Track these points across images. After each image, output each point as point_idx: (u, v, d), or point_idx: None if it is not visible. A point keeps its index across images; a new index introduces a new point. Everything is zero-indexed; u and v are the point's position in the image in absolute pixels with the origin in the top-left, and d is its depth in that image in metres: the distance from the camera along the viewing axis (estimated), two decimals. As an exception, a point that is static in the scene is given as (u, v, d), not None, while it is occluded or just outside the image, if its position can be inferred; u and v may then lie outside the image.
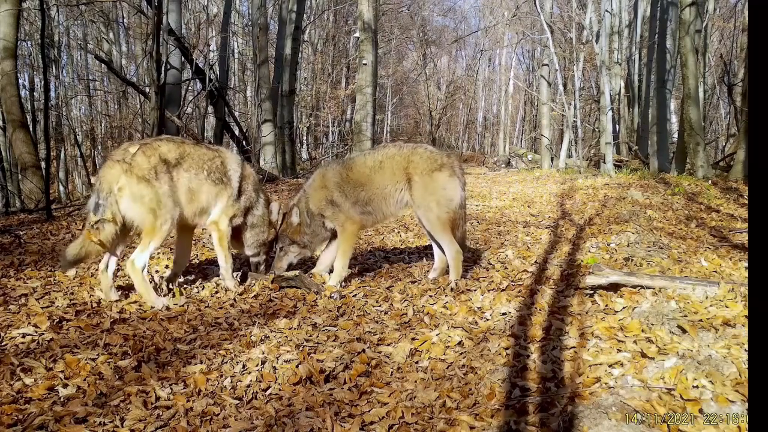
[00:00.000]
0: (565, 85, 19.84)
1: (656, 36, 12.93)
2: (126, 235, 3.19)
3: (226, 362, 2.37)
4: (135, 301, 3.13)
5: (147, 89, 9.18)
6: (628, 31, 16.89)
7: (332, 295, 3.33)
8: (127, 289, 3.36)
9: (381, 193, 3.59)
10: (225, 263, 3.46)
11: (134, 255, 3.11)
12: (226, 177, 3.38)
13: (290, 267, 3.72)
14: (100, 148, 19.98)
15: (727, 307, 2.49)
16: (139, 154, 3.07)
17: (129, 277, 3.57)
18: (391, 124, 32.77)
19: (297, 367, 2.30)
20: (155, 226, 3.06)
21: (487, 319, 2.86)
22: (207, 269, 3.98)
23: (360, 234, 3.74)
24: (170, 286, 3.41)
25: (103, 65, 14.61)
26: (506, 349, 2.43)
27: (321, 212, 3.61)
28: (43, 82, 7.48)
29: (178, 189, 3.18)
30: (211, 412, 1.99)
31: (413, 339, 2.62)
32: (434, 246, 3.79)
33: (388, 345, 2.58)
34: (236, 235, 3.58)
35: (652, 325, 2.40)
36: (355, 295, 3.38)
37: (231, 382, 2.21)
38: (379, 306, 3.18)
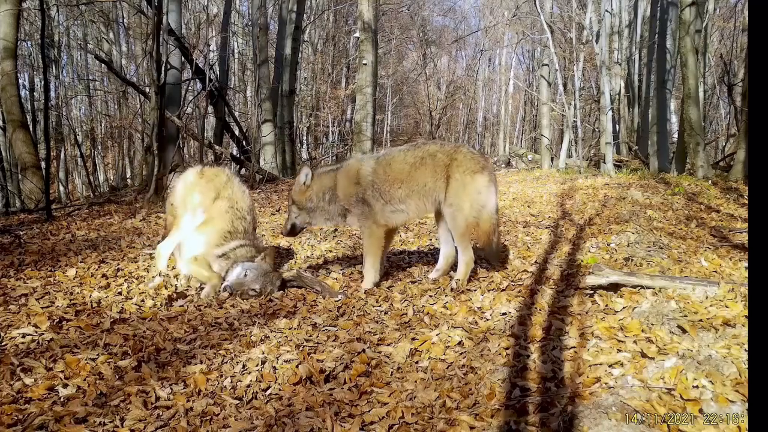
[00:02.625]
0: (565, 85, 19.83)
1: (656, 36, 12.93)
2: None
3: (226, 362, 2.37)
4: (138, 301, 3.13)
5: (147, 89, 9.18)
6: (628, 31, 16.89)
7: (338, 297, 3.31)
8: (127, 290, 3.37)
9: (420, 190, 3.49)
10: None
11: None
12: None
13: (293, 230, 3.74)
14: (100, 148, 19.99)
15: (727, 307, 2.48)
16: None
17: (127, 280, 3.60)
18: (391, 124, 32.78)
19: (297, 367, 2.30)
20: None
21: (487, 319, 2.85)
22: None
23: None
24: None
25: (103, 65, 14.58)
26: (506, 349, 2.43)
27: (347, 206, 3.55)
28: (43, 82, 7.48)
29: None
30: (211, 412, 1.99)
31: (413, 339, 2.62)
32: (443, 246, 3.76)
33: (388, 345, 2.57)
34: None
35: (652, 325, 2.40)
36: (355, 294, 3.38)
37: (231, 382, 2.21)
38: (379, 306, 3.18)
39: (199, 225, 3.59)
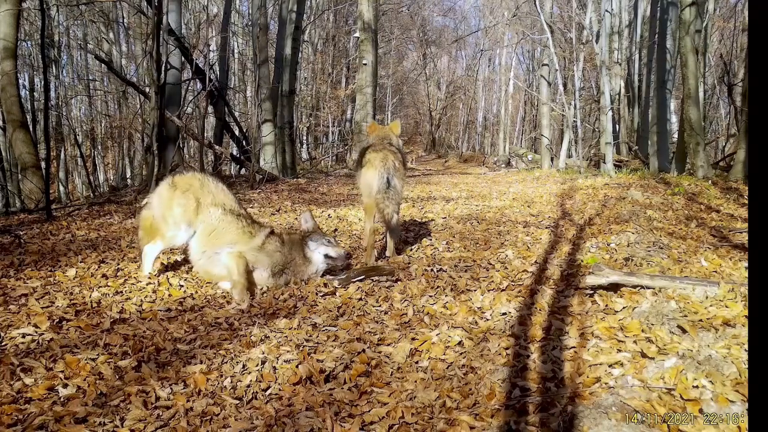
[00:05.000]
0: (565, 85, 19.84)
1: (656, 36, 12.91)
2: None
3: (226, 362, 2.37)
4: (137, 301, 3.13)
5: (147, 89, 9.18)
6: (628, 31, 16.89)
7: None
8: (127, 290, 3.37)
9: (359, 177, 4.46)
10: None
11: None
12: None
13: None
14: (100, 148, 20.00)
15: (727, 307, 2.48)
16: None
17: (129, 281, 3.60)
18: (391, 124, 32.74)
19: (297, 367, 2.30)
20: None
21: (487, 319, 2.85)
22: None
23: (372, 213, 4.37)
24: None
25: (103, 65, 14.60)
26: (506, 349, 2.43)
27: None
28: (43, 82, 7.48)
29: None
30: (211, 412, 1.99)
31: (413, 339, 2.62)
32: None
33: (388, 345, 2.57)
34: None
35: (652, 325, 2.40)
36: (355, 294, 3.38)
37: (231, 382, 2.21)
38: (379, 306, 3.18)
39: (211, 242, 3.49)
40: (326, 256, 3.66)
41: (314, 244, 3.68)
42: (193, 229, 3.56)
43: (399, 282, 3.63)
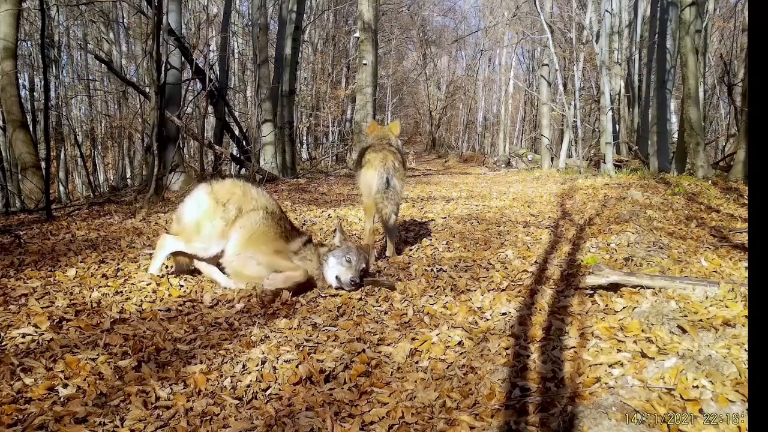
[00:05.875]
0: (565, 85, 19.84)
1: (656, 36, 12.91)
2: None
3: (226, 362, 2.37)
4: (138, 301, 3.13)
5: (147, 89, 9.18)
6: (628, 31, 16.88)
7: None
8: (127, 290, 3.37)
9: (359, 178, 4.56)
10: None
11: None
12: None
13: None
14: (100, 148, 20.02)
15: (727, 307, 2.48)
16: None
17: (129, 280, 3.60)
18: (391, 124, 32.78)
19: (297, 367, 2.30)
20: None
21: (487, 319, 2.85)
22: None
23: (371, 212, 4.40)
24: None
25: (103, 65, 14.61)
26: (506, 349, 2.43)
27: None
28: (43, 82, 7.48)
29: None
30: (211, 412, 1.99)
31: (413, 339, 2.62)
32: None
33: (388, 345, 2.58)
34: None
35: (652, 325, 2.40)
36: (355, 294, 3.38)
37: (231, 382, 2.21)
38: (379, 306, 3.18)
39: (249, 245, 3.44)
40: (336, 277, 3.52)
41: (334, 260, 3.53)
42: (225, 241, 3.48)
43: (399, 282, 3.63)
